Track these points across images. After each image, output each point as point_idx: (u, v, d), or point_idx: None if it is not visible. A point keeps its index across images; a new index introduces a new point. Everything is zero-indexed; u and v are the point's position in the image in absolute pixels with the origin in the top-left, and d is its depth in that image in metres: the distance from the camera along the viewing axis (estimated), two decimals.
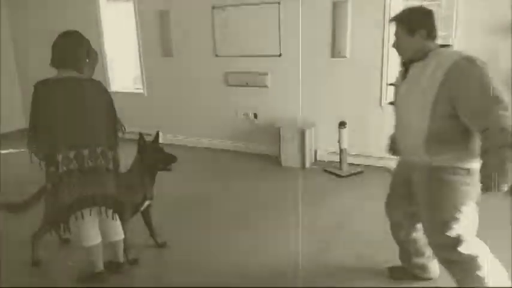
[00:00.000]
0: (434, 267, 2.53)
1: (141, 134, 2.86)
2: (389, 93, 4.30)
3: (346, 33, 4.57)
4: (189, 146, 5.83)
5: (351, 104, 4.69)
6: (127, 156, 2.82)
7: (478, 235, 2.18)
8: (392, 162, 2.54)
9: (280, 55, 5.00)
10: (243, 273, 2.80)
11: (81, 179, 2.40)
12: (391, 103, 2.37)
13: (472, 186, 2.04)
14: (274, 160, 5.02)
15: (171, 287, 2.68)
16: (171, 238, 3.17)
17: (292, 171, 4.75)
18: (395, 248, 2.58)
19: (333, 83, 4.77)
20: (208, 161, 5.32)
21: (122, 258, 2.78)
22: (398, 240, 2.52)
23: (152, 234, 3.08)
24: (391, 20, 2.20)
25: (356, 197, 3.96)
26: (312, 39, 4.77)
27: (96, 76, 2.65)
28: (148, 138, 2.92)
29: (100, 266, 2.65)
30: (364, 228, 3.31)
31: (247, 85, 5.27)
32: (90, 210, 2.48)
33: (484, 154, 1.90)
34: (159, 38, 5.69)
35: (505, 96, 1.86)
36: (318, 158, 5.02)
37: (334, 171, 4.60)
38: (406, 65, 2.18)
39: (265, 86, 5.16)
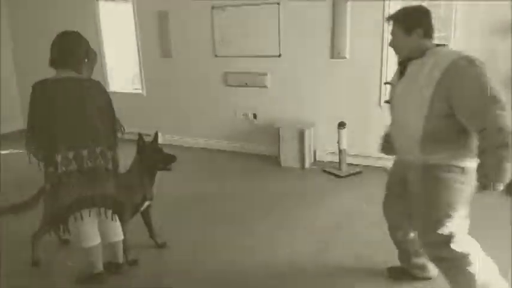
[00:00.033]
0: (433, 267, 2.53)
1: (140, 134, 2.85)
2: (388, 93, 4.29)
3: (345, 34, 4.58)
4: (188, 146, 5.83)
5: (350, 104, 4.69)
6: (126, 157, 2.82)
7: (478, 235, 2.19)
8: (390, 162, 2.54)
9: (279, 55, 5.00)
10: (242, 273, 2.80)
11: (81, 179, 2.40)
12: (387, 102, 2.37)
13: (466, 185, 2.05)
14: (274, 160, 5.02)
15: None
16: (171, 238, 3.17)
17: (291, 171, 4.76)
18: (394, 249, 2.58)
19: (333, 83, 4.77)
20: (208, 161, 5.32)
21: (121, 259, 2.78)
22: (397, 241, 2.52)
23: (152, 234, 3.08)
24: (388, 19, 2.20)
25: (355, 197, 3.96)
26: (312, 40, 4.77)
27: (95, 76, 2.65)
28: (148, 139, 2.92)
29: (99, 267, 2.65)
30: (363, 228, 3.31)
31: (246, 85, 5.27)
32: (90, 211, 2.48)
33: (482, 154, 1.91)
34: (158, 38, 5.69)
35: (503, 96, 1.86)
36: (317, 159, 5.02)
37: (334, 171, 4.60)
38: (402, 64, 2.18)
39: (265, 87, 5.16)
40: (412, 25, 2.07)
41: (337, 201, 3.91)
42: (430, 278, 2.55)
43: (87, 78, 2.51)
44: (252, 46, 5.10)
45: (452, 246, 2.08)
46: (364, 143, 4.62)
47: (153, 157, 2.87)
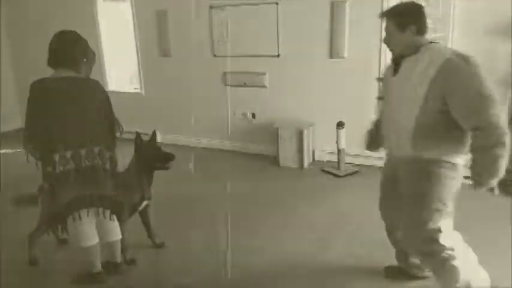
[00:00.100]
0: None
1: (137, 133, 2.85)
2: None
3: (344, 34, 4.58)
4: (187, 145, 5.82)
5: (349, 104, 4.69)
6: (125, 156, 2.81)
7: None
8: None
9: (278, 55, 4.99)
10: (241, 273, 2.79)
11: (78, 179, 2.39)
12: (380, 98, 2.38)
13: (456, 181, 2.09)
14: (273, 160, 5.02)
15: None
16: (169, 238, 3.17)
17: (290, 171, 4.76)
18: (392, 248, 2.58)
19: (331, 83, 4.77)
20: (206, 161, 5.31)
21: (119, 259, 2.77)
22: (394, 241, 2.53)
23: (150, 234, 3.07)
24: (381, 15, 2.20)
25: (354, 197, 3.96)
26: (310, 40, 4.77)
27: (94, 75, 2.64)
28: (146, 138, 2.91)
29: (98, 266, 2.64)
30: (361, 228, 3.31)
31: (245, 85, 5.27)
32: (88, 211, 2.47)
33: (475, 152, 1.93)
34: (157, 37, 5.68)
35: (496, 95, 1.88)
36: (316, 158, 5.02)
37: (332, 171, 4.60)
38: (396, 60, 2.18)
39: (264, 86, 5.16)
40: (406, 22, 2.08)
41: (335, 200, 3.91)
42: (426, 277, 2.55)
43: (85, 78, 2.51)
44: (251, 46, 5.09)
45: (440, 240, 2.10)
46: (363, 143, 4.60)
47: (151, 156, 2.86)
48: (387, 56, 4.33)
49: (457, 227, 2.25)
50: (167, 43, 5.64)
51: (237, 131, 5.48)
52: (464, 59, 1.93)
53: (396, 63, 2.18)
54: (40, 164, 2.42)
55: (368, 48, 4.50)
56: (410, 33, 2.08)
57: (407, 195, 2.19)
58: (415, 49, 2.07)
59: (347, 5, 4.50)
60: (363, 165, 4.70)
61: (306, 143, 4.76)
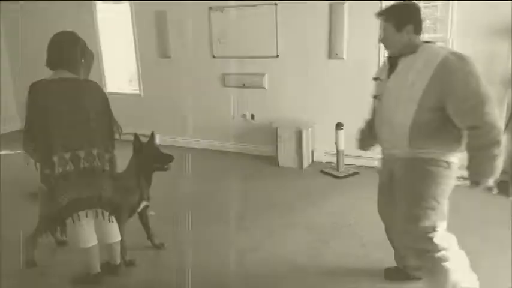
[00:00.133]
0: None
1: (136, 134, 2.84)
2: None
3: (342, 35, 4.58)
4: (187, 147, 5.82)
5: (347, 105, 4.69)
6: (123, 158, 2.81)
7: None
8: None
9: (277, 56, 5.00)
10: (241, 273, 2.79)
11: (77, 180, 2.39)
12: (375, 97, 2.39)
13: (451, 179, 2.10)
14: (272, 161, 5.02)
15: None
16: (168, 239, 3.16)
17: (289, 172, 4.76)
18: (391, 249, 2.58)
19: (330, 84, 4.78)
20: (206, 162, 5.31)
21: (118, 260, 2.77)
22: (393, 241, 2.52)
23: (149, 235, 3.07)
24: (378, 15, 2.20)
25: (353, 197, 3.96)
26: (309, 41, 4.77)
27: (93, 77, 2.64)
28: (145, 140, 2.91)
29: (96, 268, 2.65)
30: (360, 229, 3.31)
31: (244, 86, 5.27)
32: (87, 213, 2.47)
33: (472, 151, 1.94)
34: (156, 38, 5.69)
35: (492, 94, 1.90)
36: (315, 159, 5.03)
37: (331, 172, 4.60)
38: (392, 60, 2.19)
39: (263, 87, 5.16)
40: (403, 21, 2.09)
41: (334, 201, 3.91)
42: None
43: (84, 79, 2.50)
44: (250, 47, 5.10)
45: (435, 239, 2.10)
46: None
47: (150, 157, 2.85)
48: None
49: (457, 227, 2.25)
50: (166, 44, 5.64)
51: (237, 132, 5.48)
52: (461, 58, 1.95)
53: (392, 62, 2.18)
54: (39, 166, 2.42)
55: (367, 49, 4.50)
56: (407, 33, 2.09)
57: (402, 192, 2.20)
58: (412, 49, 2.08)
59: (345, 6, 4.51)
60: (364, 166, 4.70)
61: (305, 143, 4.76)
